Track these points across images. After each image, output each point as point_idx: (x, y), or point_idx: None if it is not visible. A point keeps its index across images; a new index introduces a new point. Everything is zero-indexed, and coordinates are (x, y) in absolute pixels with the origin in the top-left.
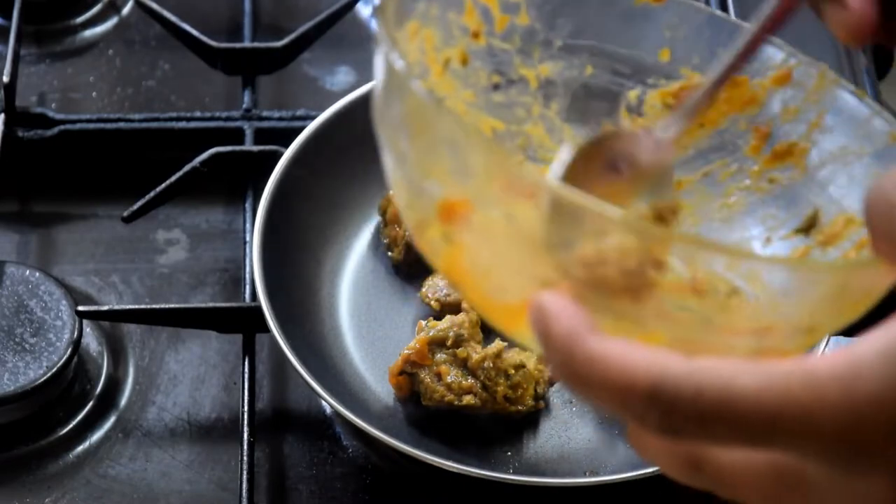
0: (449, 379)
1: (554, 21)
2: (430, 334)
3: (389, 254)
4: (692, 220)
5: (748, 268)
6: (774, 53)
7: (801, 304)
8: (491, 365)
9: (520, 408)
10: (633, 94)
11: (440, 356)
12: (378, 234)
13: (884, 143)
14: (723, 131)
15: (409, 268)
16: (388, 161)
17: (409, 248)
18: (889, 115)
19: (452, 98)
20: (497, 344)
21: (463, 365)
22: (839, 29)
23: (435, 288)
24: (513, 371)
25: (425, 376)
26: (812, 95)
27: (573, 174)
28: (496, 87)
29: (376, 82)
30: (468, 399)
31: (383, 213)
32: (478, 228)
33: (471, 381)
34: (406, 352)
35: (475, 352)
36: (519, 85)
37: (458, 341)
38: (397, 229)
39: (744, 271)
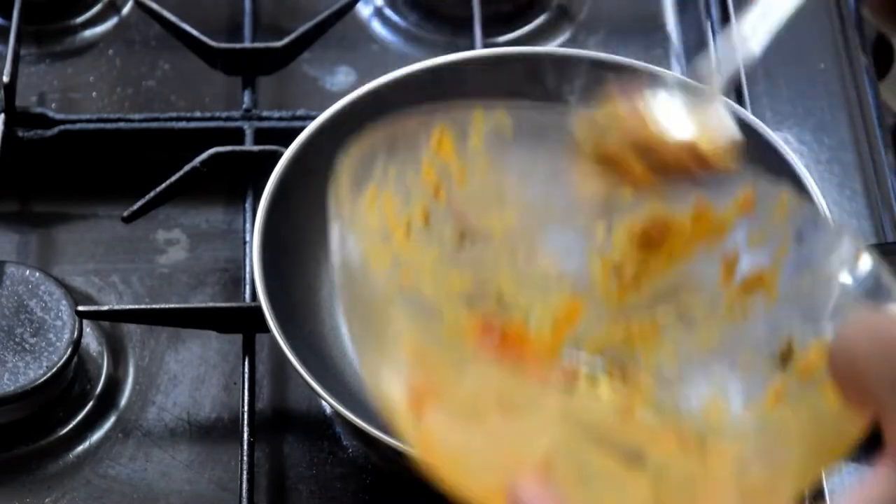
0: None
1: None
2: None
3: None
4: (670, 362)
5: (719, 425)
6: (737, 179)
7: (774, 458)
8: None
9: None
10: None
11: None
12: None
13: (852, 260)
14: (691, 265)
15: None
16: (354, 347)
17: None
18: (853, 233)
19: (417, 259)
20: None
21: None
22: None
23: None
24: None
25: None
26: (776, 219)
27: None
28: (462, 241)
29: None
30: None
31: None
32: (447, 411)
33: None
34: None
35: None
36: (485, 235)
37: None
38: None
39: (715, 428)
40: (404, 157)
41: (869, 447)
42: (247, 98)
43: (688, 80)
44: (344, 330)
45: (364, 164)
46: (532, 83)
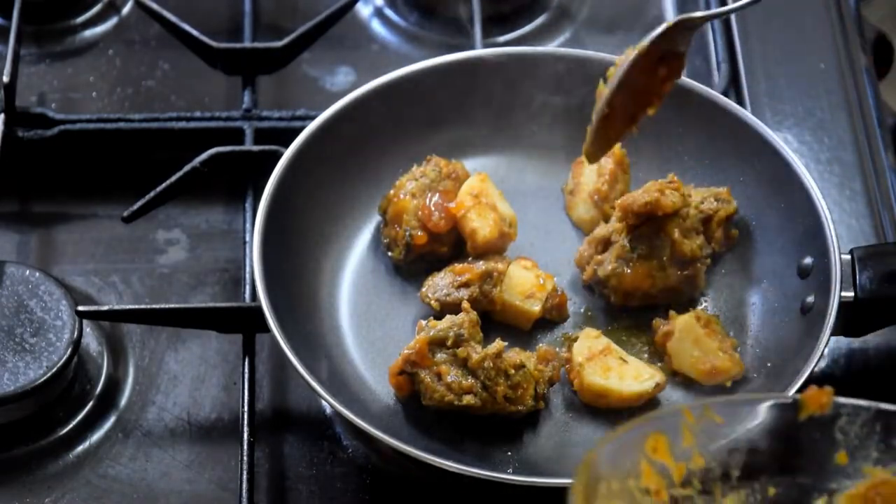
0: (449, 379)
1: (728, 456)
2: (431, 334)
3: (389, 254)
4: None
5: None
6: None
7: None
8: (491, 365)
9: (520, 408)
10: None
11: (440, 356)
12: (378, 234)
13: None
14: None
15: (409, 268)
16: None
17: (409, 248)
18: None
19: None
20: (497, 344)
21: (463, 365)
22: None
23: (435, 288)
24: (513, 371)
25: (425, 376)
26: None
27: None
28: None
29: None
30: (468, 399)
31: (383, 213)
32: None
33: (471, 381)
34: (406, 352)
35: (475, 351)
36: None
37: (458, 341)
38: (397, 229)
39: None
40: (624, 467)
41: None
42: (247, 98)
43: (685, 78)
44: (344, 330)
45: (591, 487)
46: (532, 83)
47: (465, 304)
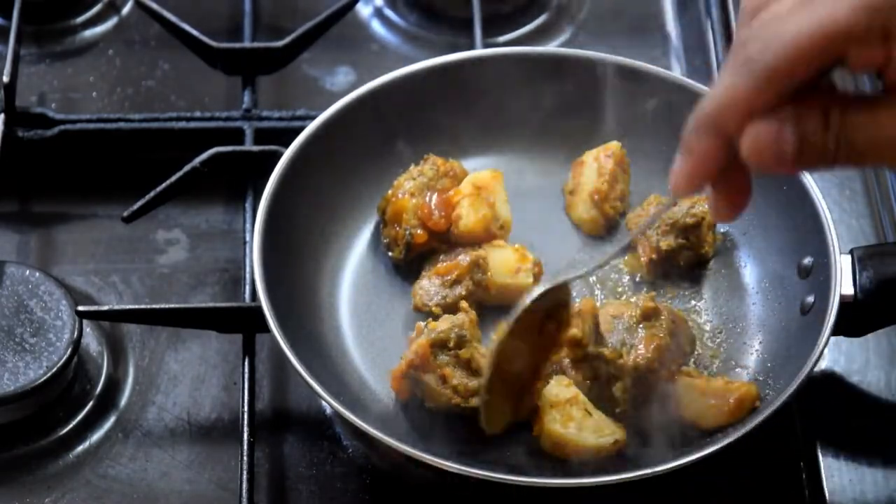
0: (454, 382)
1: None
2: (432, 336)
3: (389, 254)
4: None
5: None
6: None
7: None
8: None
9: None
10: None
11: (443, 358)
12: (378, 234)
13: None
14: None
15: (409, 267)
16: None
17: (410, 247)
18: None
19: None
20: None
21: (467, 366)
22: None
23: (428, 294)
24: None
25: (430, 380)
26: None
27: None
28: None
29: None
30: (475, 401)
31: (383, 213)
32: None
33: (476, 382)
34: (409, 356)
35: (478, 352)
36: None
37: (461, 342)
38: (397, 229)
39: None
40: None
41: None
42: (247, 98)
43: (686, 79)
44: (344, 330)
45: None
46: (532, 83)
47: (464, 304)
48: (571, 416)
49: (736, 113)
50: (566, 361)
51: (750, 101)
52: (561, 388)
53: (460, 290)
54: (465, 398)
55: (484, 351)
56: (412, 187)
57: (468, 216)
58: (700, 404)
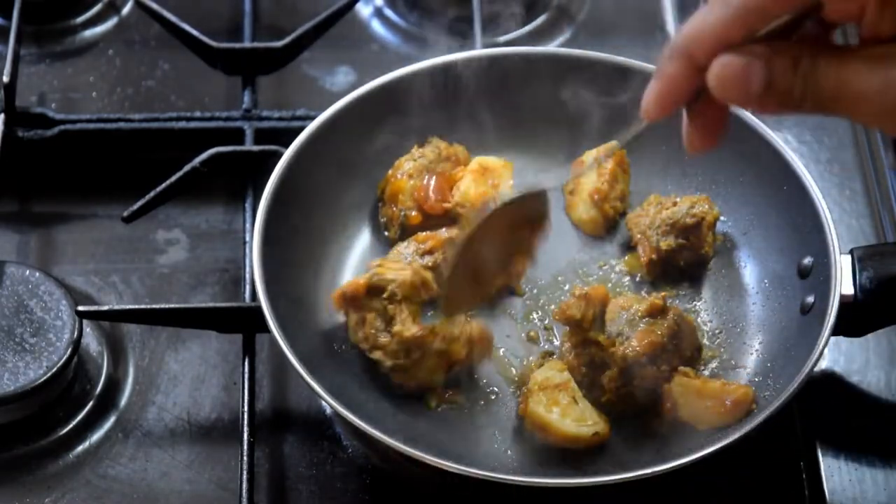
0: (368, 329)
1: None
2: (372, 280)
3: (385, 233)
4: None
5: None
6: None
7: None
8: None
9: (412, 383)
10: None
11: (373, 303)
12: (378, 234)
13: None
14: None
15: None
16: None
17: (404, 229)
18: None
19: None
20: (421, 329)
21: (387, 321)
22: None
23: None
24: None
25: (351, 316)
26: None
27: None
28: None
29: None
30: (377, 355)
31: (382, 193)
32: None
33: (386, 339)
34: (345, 287)
35: (404, 315)
36: None
37: (392, 298)
38: (393, 208)
39: None
40: None
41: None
42: (247, 98)
43: None
44: (344, 329)
45: None
46: (532, 83)
47: (416, 266)
48: (557, 400)
49: (706, 41)
50: (566, 345)
51: (720, 31)
52: (553, 372)
53: (429, 259)
54: (370, 348)
55: (408, 321)
56: (411, 168)
57: (469, 189)
58: (697, 406)
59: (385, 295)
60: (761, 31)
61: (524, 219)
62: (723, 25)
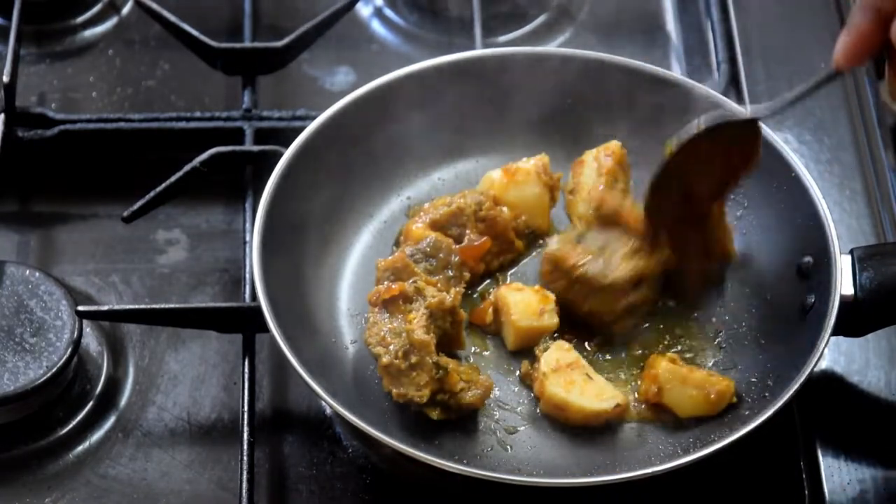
0: (386, 326)
1: None
2: (410, 289)
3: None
4: None
5: None
6: None
7: None
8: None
9: (405, 391)
10: None
11: (404, 307)
12: (378, 234)
13: None
14: None
15: None
16: None
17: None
18: None
19: None
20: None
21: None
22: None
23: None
24: (434, 367)
25: (376, 314)
26: None
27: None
28: None
29: None
30: (379, 349)
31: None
32: None
33: (394, 339)
34: (387, 289)
35: (418, 329)
36: None
37: (418, 308)
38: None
39: None
40: None
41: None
42: (247, 98)
43: (686, 79)
44: (344, 330)
45: None
46: (532, 83)
47: (455, 291)
48: (573, 380)
49: None
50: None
51: None
52: (562, 353)
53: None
54: (375, 344)
55: (422, 330)
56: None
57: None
58: (680, 393)
59: (414, 305)
60: None
61: (734, 147)
62: None
